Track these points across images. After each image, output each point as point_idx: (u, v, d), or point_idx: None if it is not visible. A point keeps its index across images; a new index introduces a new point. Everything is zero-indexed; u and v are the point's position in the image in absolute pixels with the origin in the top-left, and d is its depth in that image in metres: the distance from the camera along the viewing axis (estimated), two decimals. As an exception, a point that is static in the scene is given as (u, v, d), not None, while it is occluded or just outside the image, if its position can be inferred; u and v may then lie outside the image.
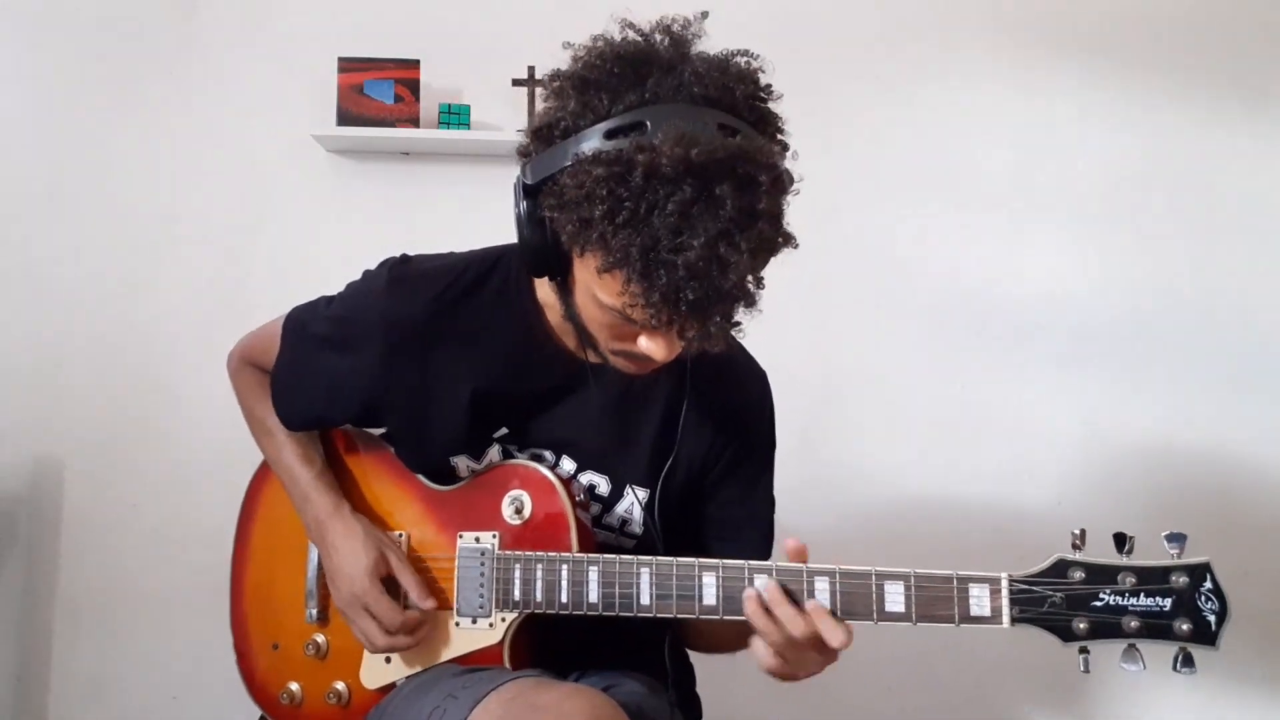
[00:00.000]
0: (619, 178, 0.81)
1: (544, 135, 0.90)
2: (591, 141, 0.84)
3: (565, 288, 0.97)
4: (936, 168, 2.27)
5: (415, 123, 2.14)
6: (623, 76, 0.87)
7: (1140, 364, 2.25)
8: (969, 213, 2.27)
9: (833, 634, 0.93)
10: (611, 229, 0.82)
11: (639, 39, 0.90)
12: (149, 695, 2.15)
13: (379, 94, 2.14)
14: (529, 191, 0.90)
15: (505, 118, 2.19)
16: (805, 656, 0.97)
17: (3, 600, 2.15)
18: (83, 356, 2.17)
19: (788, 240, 0.89)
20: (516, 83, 2.16)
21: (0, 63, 2.19)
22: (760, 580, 0.97)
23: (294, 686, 1.16)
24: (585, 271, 0.90)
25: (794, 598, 0.95)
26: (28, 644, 2.15)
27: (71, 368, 2.17)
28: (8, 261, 2.18)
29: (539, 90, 0.98)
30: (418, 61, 2.15)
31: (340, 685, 1.14)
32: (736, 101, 0.87)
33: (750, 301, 0.88)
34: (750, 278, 0.87)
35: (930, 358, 2.25)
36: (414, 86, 2.15)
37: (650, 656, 1.14)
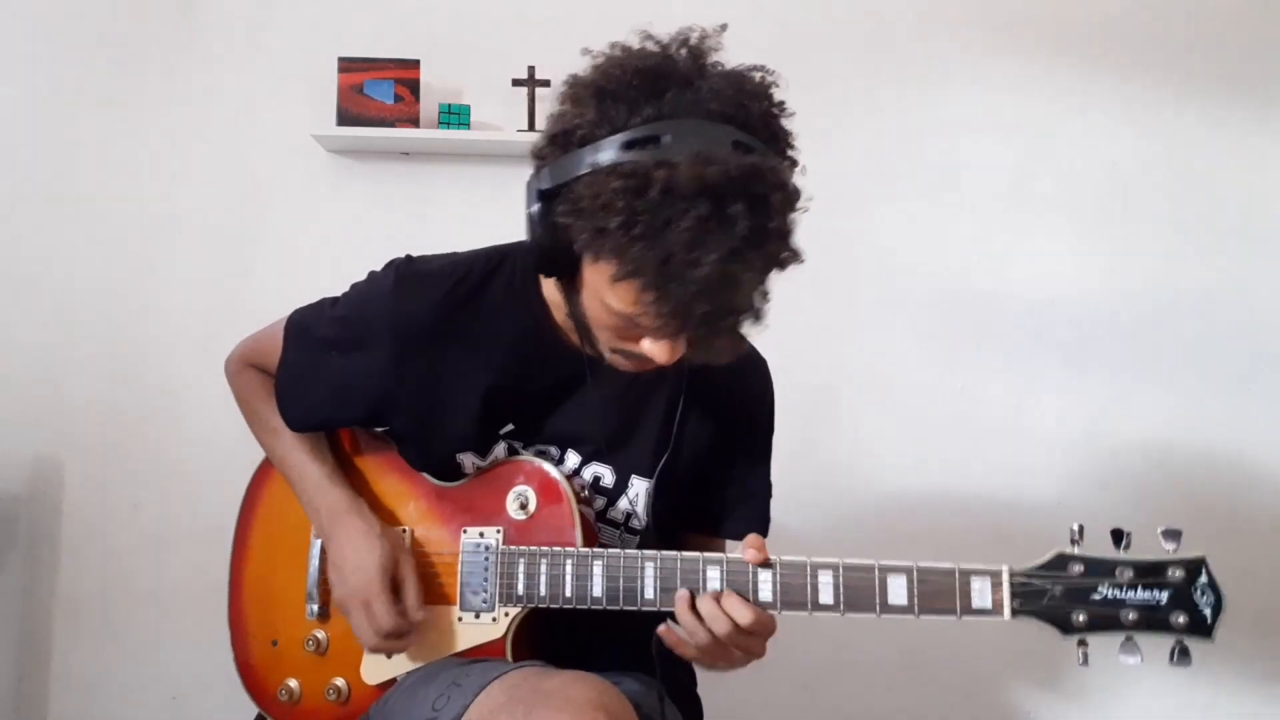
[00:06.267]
0: (636, 191, 0.83)
1: (560, 141, 0.91)
2: (608, 152, 0.86)
3: (572, 287, 0.98)
4: (937, 167, 2.27)
5: (415, 123, 2.14)
6: (640, 89, 0.88)
7: (1140, 363, 2.26)
8: (969, 212, 2.27)
9: (740, 613, 0.97)
10: (627, 240, 0.84)
11: (657, 51, 0.92)
12: (149, 695, 2.14)
13: (379, 94, 2.14)
14: (543, 195, 0.91)
15: (505, 118, 2.19)
16: (728, 652, 1.00)
17: (3, 600, 2.15)
18: (82, 356, 2.17)
19: (794, 256, 0.91)
20: (516, 83, 2.17)
21: (0, 62, 2.20)
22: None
23: (292, 683, 1.16)
24: (596, 276, 0.91)
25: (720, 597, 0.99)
26: (28, 644, 2.15)
27: (71, 367, 2.17)
28: (7, 261, 2.18)
29: (554, 93, 0.98)
30: (418, 61, 2.15)
31: (340, 681, 1.14)
32: (751, 118, 0.89)
33: (757, 316, 0.91)
34: (758, 292, 0.90)
35: (930, 358, 2.25)
36: (414, 86, 2.15)
37: (645, 658, 1.15)
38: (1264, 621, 2.21)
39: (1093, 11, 2.29)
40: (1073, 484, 2.22)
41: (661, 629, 1.00)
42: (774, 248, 0.87)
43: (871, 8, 2.29)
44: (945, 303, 2.26)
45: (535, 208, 0.92)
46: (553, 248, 0.93)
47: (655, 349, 0.94)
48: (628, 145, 0.85)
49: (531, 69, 2.15)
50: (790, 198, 0.88)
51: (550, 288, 1.08)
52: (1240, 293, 2.27)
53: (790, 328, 2.11)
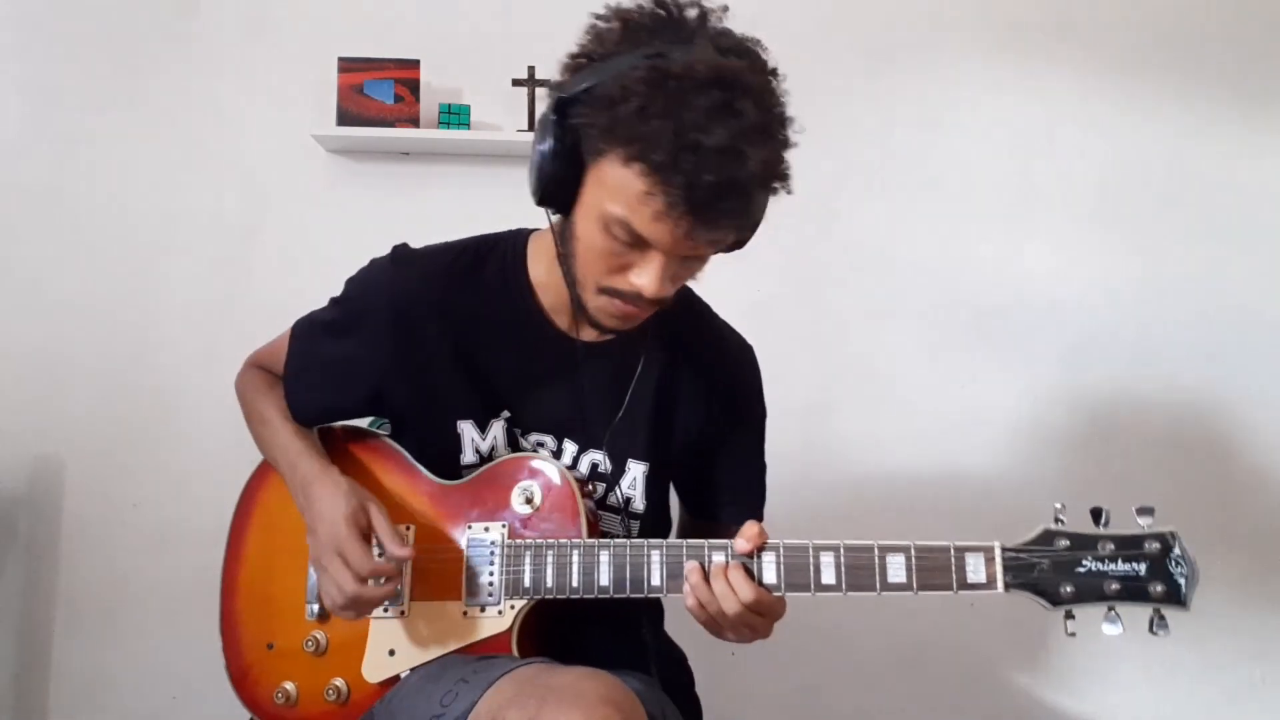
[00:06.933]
0: (656, 81, 0.90)
1: (581, 64, 0.98)
2: (631, 60, 0.92)
3: (568, 224, 1.02)
4: (936, 166, 2.27)
5: (415, 123, 2.14)
6: (662, 23, 0.96)
7: (1140, 362, 2.26)
8: (969, 211, 2.27)
9: (744, 590, 0.99)
10: (641, 121, 0.89)
11: (673, 4, 0.99)
12: (149, 695, 2.14)
13: (379, 94, 2.14)
14: (561, 108, 0.96)
15: (505, 118, 2.20)
16: (737, 628, 1.02)
17: (3, 600, 2.15)
18: (83, 357, 2.17)
19: (787, 179, 0.97)
20: (516, 83, 2.17)
21: (0, 63, 2.19)
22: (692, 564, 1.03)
23: (289, 686, 1.15)
24: (600, 182, 0.95)
25: (729, 574, 1.01)
26: (28, 644, 2.15)
27: (72, 368, 2.17)
28: (7, 262, 2.18)
29: (590, 25, 1.03)
30: (418, 61, 2.15)
31: (339, 681, 1.13)
32: (757, 63, 0.97)
33: (757, 211, 0.96)
34: (759, 193, 0.95)
35: (930, 357, 2.25)
36: (414, 86, 2.15)
37: (648, 658, 1.15)
38: (1264, 627, 2.21)
39: (1093, 11, 2.29)
40: (1072, 485, 2.22)
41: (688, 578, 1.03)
42: (773, 154, 0.93)
43: (871, 7, 2.29)
44: (945, 302, 2.26)
45: (550, 125, 0.96)
46: (558, 171, 0.97)
47: (644, 278, 0.97)
48: (649, 57, 0.92)
49: (531, 69, 2.15)
50: (788, 127, 0.96)
51: (540, 269, 1.13)
52: (1240, 293, 2.27)
53: (790, 327, 2.13)
